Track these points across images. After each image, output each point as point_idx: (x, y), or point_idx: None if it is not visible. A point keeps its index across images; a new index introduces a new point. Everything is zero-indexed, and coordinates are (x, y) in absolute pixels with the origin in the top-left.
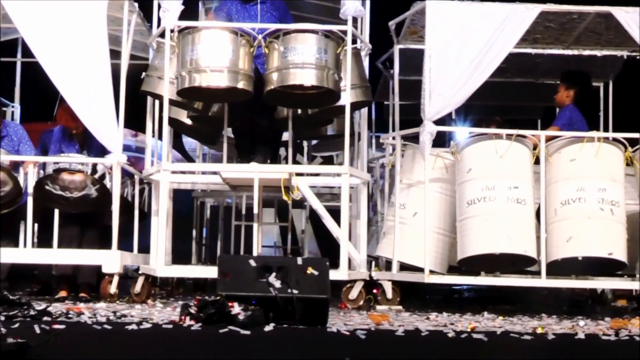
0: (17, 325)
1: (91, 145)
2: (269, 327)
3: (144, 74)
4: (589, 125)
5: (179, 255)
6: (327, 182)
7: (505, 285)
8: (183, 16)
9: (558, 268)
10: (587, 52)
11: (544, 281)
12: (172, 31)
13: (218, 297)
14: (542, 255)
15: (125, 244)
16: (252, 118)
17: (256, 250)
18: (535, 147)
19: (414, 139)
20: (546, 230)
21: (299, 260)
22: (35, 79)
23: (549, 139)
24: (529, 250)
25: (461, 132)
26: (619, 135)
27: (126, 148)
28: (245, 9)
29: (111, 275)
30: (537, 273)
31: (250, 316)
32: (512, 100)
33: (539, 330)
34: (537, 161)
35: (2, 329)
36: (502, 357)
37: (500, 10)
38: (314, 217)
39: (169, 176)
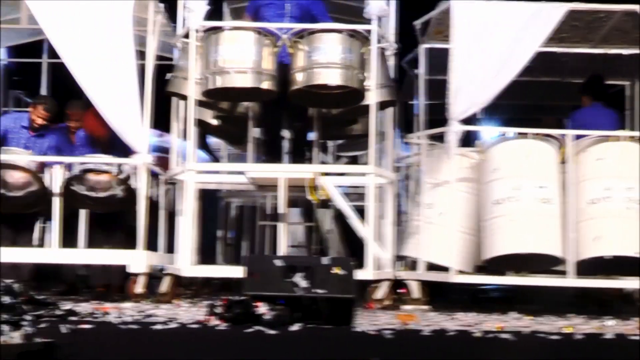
0: (44, 325)
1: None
2: (295, 327)
3: (169, 74)
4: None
5: (205, 255)
6: (353, 182)
7: (532, 285)
8: (208, 16)
9: (585, 267)
10: (613, 51)
11: (571, 281)
12: (197, 31)
13: (244, 297)
14: (569, 255)
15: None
16: (289, 121)
17: (282, 250)
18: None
19: (440, 138)
20: (573, 229)
21: (325, 260)
22: (61, 80)
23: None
24: (556, 250)
25: (487, 131)
26: None
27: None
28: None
29: (137, 275)
30: (564, 272)
31: (276, 316)
32: (538, 99)
33: (567, 330)
34: None
35: (29, 328)
36: (530, 357)
37: (526, 9)
38: (339, 216)
39: (195, 176)
